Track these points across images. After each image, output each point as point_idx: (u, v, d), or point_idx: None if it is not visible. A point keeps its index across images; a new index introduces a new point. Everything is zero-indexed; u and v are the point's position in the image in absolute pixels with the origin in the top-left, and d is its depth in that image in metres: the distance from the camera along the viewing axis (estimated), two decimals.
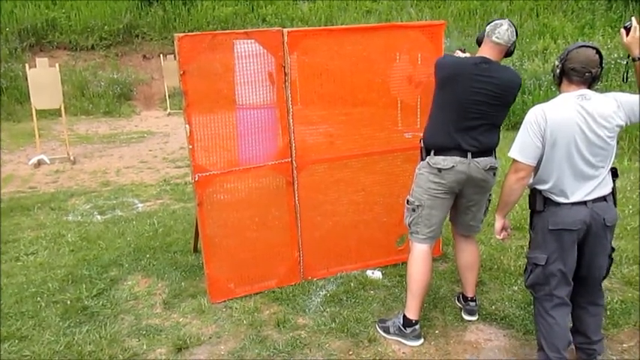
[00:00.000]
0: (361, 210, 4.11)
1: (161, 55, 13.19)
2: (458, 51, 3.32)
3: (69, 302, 3.71)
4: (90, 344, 3.22)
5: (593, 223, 2.54)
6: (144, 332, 3.36)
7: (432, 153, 3.10)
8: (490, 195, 3.37)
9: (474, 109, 3.00)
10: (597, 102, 2.48)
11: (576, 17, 11.48)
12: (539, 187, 2.61)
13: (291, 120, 3.61)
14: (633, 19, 2.58)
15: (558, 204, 2.56)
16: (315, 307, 3.57)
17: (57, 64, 8.24)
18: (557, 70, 2.55)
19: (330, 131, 3.92)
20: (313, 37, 3.60)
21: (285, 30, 3.47)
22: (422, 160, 3.19)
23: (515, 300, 3.58)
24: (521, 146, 2.55)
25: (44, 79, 7.80)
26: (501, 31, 2.99)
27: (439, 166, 3.06)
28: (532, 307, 2.85)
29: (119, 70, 13.95)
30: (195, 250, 4.32)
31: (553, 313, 2.65)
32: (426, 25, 3.83)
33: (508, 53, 3.10)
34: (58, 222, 5.42)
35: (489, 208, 3.40)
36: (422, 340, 3.17)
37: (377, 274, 3.97)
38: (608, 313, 3.31)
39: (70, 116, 12.07)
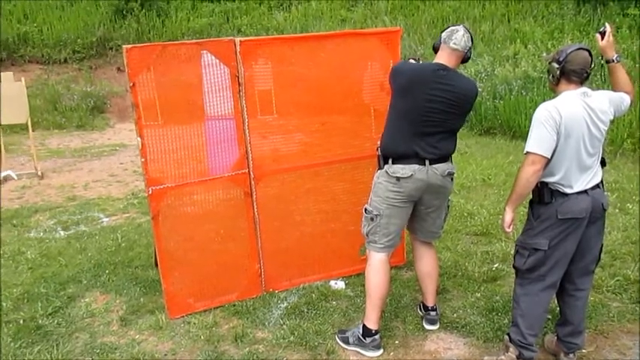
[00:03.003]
0: (330, 219, 4.05)
1: None
2: (411, 59, 3.29)
3: (22, 322, 3.59)
4: None
5: (593, 209, 2.70)
6: (98, 351, 3.27)
7: (390, 161, 3.06)
8: (449, 200, 3.35)
9: (431, 116, 2.97)
10: (596, 98, 2.67)
11: (546, 22, 11.57)
12: (547, 179, 2.70)
13: (247, 130, 3.56)
14: (607, 24, 2.77)
15: (565, 194, 2.68)
16: (275, 320, 3.51)
17: (22, 79, 8.08)
18: (558, 72, 2.66)
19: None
20: (266, 46, 3.55)
21: (238, 39, 3.42)
22: (379, 168, 3.15)
23: (477, 307, 3.55)
24: (538, 140, 2.62)
25: (9, 93, 7.62)
26: (458, 37, 2.97)
27: (398, 175, 3.02)
28: (513, 287, 2.96)
29: (93, 83, 13.75)
30: (157, 264, 4.22)
31: (541, 294, 2.81)
32: (383, 32, 3.82)
33: (464, 59, 3.07)
34: (19, 239, 5.27)
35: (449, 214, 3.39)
36: (381, 351, 3.11)
37: (340, 285, 3.92)
38: None
39: (43, 130, 11.89)
